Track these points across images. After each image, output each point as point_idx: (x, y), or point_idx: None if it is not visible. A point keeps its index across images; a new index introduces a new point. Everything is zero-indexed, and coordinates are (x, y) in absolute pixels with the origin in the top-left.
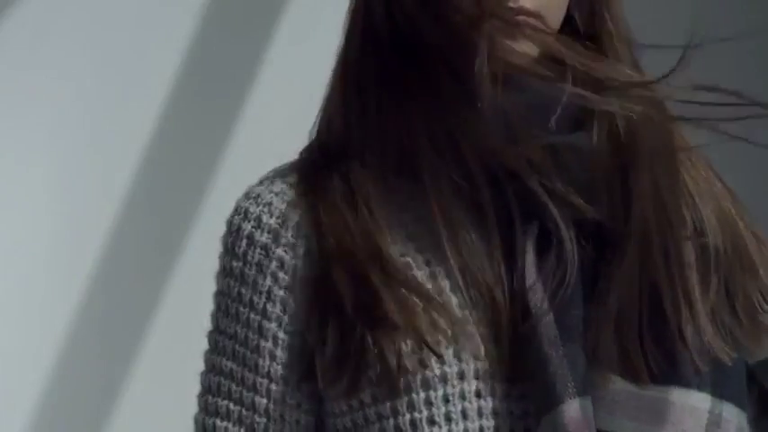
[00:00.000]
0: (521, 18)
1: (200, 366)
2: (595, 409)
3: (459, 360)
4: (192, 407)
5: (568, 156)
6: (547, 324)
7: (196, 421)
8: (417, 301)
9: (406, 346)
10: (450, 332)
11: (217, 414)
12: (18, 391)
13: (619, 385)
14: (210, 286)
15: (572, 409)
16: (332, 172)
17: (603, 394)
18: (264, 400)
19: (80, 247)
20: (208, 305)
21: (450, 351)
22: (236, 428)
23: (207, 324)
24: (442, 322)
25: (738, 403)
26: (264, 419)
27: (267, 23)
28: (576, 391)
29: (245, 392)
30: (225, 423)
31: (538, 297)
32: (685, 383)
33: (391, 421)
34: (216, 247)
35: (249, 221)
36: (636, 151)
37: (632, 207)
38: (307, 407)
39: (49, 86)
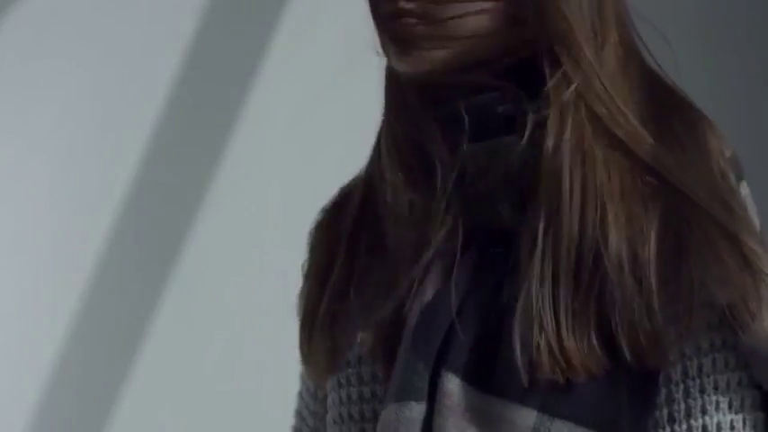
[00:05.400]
0: (402, 20)
1: (199, 366)
2: (435, 414)
3: (349, 365)
4: (191, 407)
5: (483, 162)
6: (407, 331)
7: None
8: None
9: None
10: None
11: (294, 422)
12: (18, 391)
13: (461, 392)
14: (210, 286)
15: (386, 412)
16: (345, 210)
17: (443, 400)
18: (311, 419)
19: (81, 246)
20: (207, 305)
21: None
22: None
23: (205, 324)
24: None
25: (584, 422)
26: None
27: (267, 23)
28: (396, 397)
29: (302, 404)
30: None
31: (415, 304)
32: (511, 397)
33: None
34: (215, 246)
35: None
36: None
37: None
38: None
39: (52, 83)
